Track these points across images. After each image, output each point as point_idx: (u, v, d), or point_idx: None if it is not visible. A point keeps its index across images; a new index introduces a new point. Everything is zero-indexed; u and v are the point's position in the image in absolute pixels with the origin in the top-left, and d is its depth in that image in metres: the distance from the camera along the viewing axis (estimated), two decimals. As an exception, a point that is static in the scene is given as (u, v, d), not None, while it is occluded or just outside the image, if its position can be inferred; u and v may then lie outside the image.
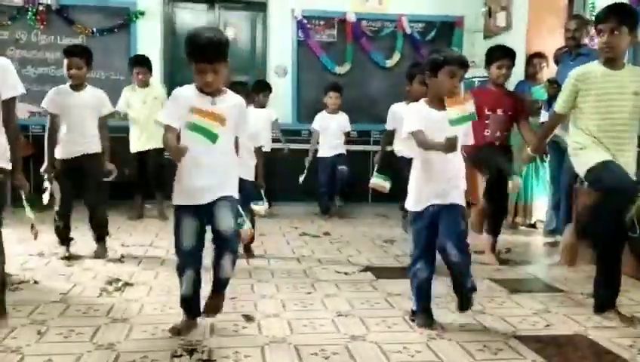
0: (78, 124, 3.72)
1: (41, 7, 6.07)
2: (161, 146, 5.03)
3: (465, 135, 2.66)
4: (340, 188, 5.80)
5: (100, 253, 3.83)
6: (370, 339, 2.44)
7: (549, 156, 4.40)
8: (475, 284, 2.61)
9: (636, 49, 4.02)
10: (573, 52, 4.30)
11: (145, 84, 5.34)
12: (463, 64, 2.52)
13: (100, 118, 3.85)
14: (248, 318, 2.67)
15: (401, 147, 3.79)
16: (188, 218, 2.36)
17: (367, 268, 3.71)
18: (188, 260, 2.41)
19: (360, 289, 3.24)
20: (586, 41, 4.37)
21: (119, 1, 6.22)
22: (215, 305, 2.48)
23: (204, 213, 2.36)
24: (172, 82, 5.92)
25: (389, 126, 3.78)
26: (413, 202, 2.64)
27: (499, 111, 3.82)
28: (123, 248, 4.12)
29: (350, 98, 6.18)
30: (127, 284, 3.19)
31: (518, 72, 5.52)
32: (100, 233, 3.89)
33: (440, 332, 2.55)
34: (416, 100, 3.37)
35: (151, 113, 4.99)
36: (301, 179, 5.72)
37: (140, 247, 4.18)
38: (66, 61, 3.72)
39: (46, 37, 6.17)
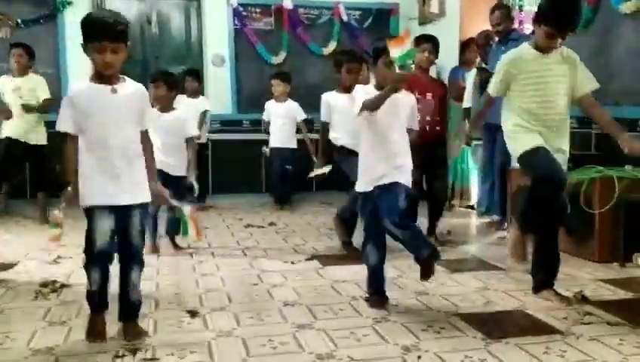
0: None
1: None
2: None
3: (411, 117, 2.74)
4: (284, 190, 5.78)
5: None
6: (317, 327, 2.45)
7: (483, 138, 4.56)
8: (436, 251, 2.63)
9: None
10: (502, 39, 4.44)
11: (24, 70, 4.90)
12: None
13: None
14: (193, 314, 2.62)
15: (337, 135, 3.79)
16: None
17: (312, 257, 3.72)
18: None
19: (306, 277, 3.25)
20: (515, 26, 4.52)
21: (44, -10, 5.92)
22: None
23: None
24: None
25: (324, 117, 3.78)
26: (361, 183, 2.72)
27: (428, 96, 3.90)
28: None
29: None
30: (63, 286, 3.06)
31: (451, 58, 5.69)
32: None
33: (385, 315, 2.59)
34: (346, 88, 3.46)
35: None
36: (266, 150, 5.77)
37: (76, 247, 4.00)
38: None
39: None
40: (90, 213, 2.24)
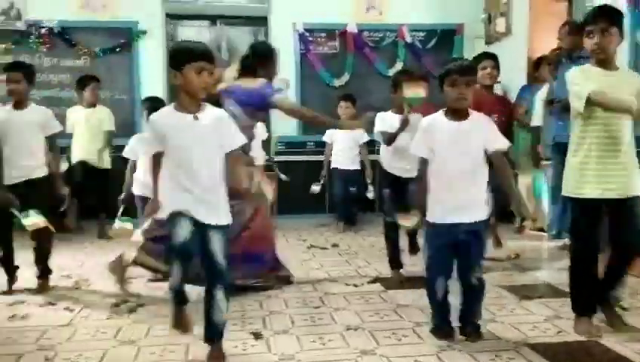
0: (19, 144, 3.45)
1: (43, 30, 6.13)
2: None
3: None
4: (349, 212, 5.82)
5: (43, 288, 3.51)
6: (380, 353, 2.42)
7: (552, 158, 4.38)
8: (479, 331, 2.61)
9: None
10: (572, 55, 4.28)
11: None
12: (462, 71, 2.49)
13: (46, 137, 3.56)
14: (257, 336, 2.65)
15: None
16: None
17: (376, 280, 3.68)
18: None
19: (369, 301, 3.22)
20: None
21: (121, 22, 6.26)
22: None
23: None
24: (174, 99, 5.94)
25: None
26: (432, 214, 2.57)
27: (494, 117, 3.77)
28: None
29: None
30: (139, 306, 3.17)
31: (521, 77, 5.56)
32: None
33: (450, 343, 2.52)
34: (398, 108, 3.43)
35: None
36: (315, 188, 5.80)
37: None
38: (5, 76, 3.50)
39: (49, 59, 6.23)
40: (171, 218, 2.30)
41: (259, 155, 4.82)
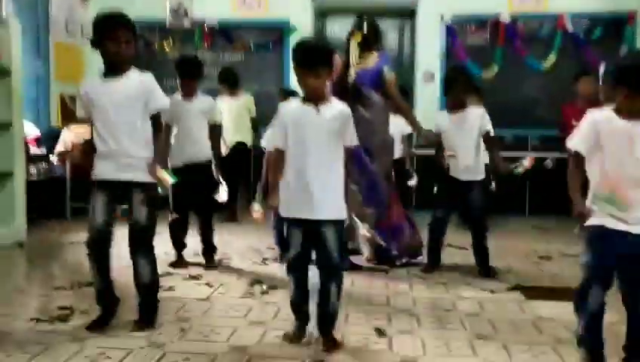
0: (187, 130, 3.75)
1: (205, 28, 6.62)
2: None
3: None
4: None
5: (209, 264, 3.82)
6: (511, 368, 2.23)
7: None
8: None
9: None
10: None
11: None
12: None
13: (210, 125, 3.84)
14: (380, 333, 2.59)
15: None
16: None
17: (516, 287, 3.42)
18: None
19: (506, 310, 2.99)
20: None
21: (274, 19, 6.56)
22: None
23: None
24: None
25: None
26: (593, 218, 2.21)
27: None
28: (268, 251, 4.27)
29: (499, 102, 5.90)
30: (271, 287, 3.28)
31: None
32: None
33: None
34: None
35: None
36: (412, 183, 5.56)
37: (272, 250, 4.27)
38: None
39: (210, 55, 6.71)
40: (285, 223, 2.40)
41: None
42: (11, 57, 4.47)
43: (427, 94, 6.32)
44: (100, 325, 2.57)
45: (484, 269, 3.67)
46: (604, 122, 2.13)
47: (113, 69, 2.56)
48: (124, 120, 2.53)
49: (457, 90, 3.60)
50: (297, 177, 2.32)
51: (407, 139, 5.55)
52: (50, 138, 5.76)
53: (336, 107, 2.38)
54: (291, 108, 2.41)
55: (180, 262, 3.79)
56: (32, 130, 5.47)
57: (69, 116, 5.98)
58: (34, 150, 5.42)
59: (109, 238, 2.57)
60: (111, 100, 2.52)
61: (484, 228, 3.69)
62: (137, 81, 2.57)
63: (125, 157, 2.53)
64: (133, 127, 2.54)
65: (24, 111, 4.87)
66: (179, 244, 3.84)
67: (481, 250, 3.70)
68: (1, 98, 4.46)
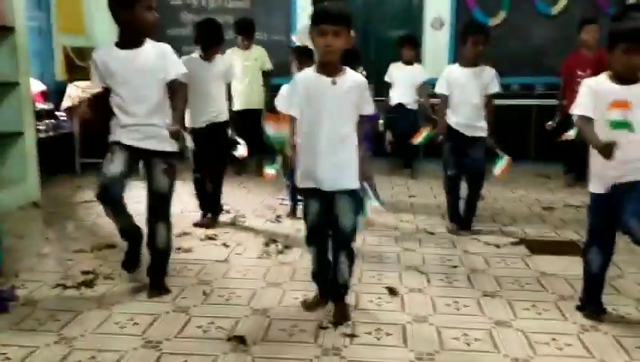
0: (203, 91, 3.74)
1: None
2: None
3: None
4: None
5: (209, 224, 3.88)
6: (516, 326, 2.36)
7: None
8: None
9: None
10: None
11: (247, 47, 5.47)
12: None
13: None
14: (392, 292, 2.72)
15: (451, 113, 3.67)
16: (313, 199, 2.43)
17: (520, 241, 3.54)
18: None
19: (510, 265, 3.12)
20: None
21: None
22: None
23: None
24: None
25: (441, 89, 3.64)
26: (594, 184, 2.38)
27: None
28: (280, 207, 4.37)
29: (508, 49, 5.89)
30: (286, 247, 3.39)
31: None
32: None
33: (595, 323, 2.38)
34: (470, 62, 3.56)
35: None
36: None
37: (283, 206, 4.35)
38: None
39: (214, 1, 6.58)
40: (302, 193, 2.46)
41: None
42: (14, 12, 4.40)
43: (436, 42, 6.23)
44: (133, 262, 2.80)
45: (466, 223, 3.76)
46: (600, 88, 2.29)
47: (134, 37, 2.55)
48: (148, 91, 2.57)
49: (478, 45, 3.53)
50: (311, 148, 2.33)
51: (425, 86, 5.43)
52: (56, 92, 5.75)
53: (351, 77, 2.34)
54: (306, 78, 2.36)
55: (208, 221, 3.89)
56: (37, 86, 5.45)
57: (73, 69, 5.94)
58: (41, 105, 5.42)
59: (121, 187, 2.58)
60: (134, 71, 2.55)
61: (480, 186, 3.74)
62: (156, 50, 2.60)
63: (149, 127, 2.59)
64: (156, 97, 2.59)
65: (30, 68, 4.84)
66: (207, 204, 3.94)
67: (471, 206, 3.77)
68: (6, 56, 4.42)
